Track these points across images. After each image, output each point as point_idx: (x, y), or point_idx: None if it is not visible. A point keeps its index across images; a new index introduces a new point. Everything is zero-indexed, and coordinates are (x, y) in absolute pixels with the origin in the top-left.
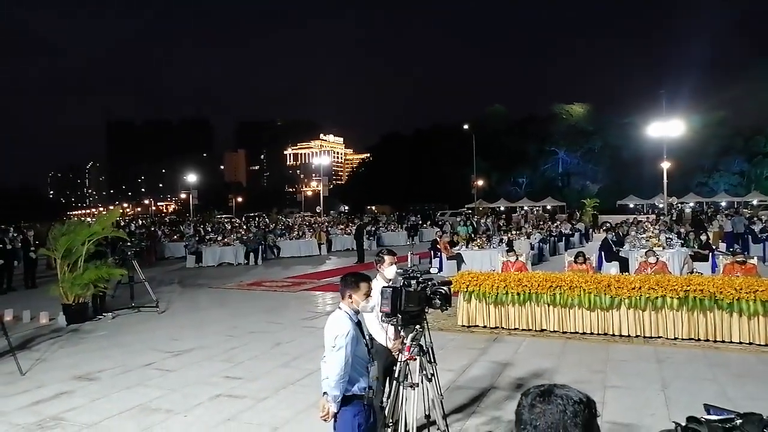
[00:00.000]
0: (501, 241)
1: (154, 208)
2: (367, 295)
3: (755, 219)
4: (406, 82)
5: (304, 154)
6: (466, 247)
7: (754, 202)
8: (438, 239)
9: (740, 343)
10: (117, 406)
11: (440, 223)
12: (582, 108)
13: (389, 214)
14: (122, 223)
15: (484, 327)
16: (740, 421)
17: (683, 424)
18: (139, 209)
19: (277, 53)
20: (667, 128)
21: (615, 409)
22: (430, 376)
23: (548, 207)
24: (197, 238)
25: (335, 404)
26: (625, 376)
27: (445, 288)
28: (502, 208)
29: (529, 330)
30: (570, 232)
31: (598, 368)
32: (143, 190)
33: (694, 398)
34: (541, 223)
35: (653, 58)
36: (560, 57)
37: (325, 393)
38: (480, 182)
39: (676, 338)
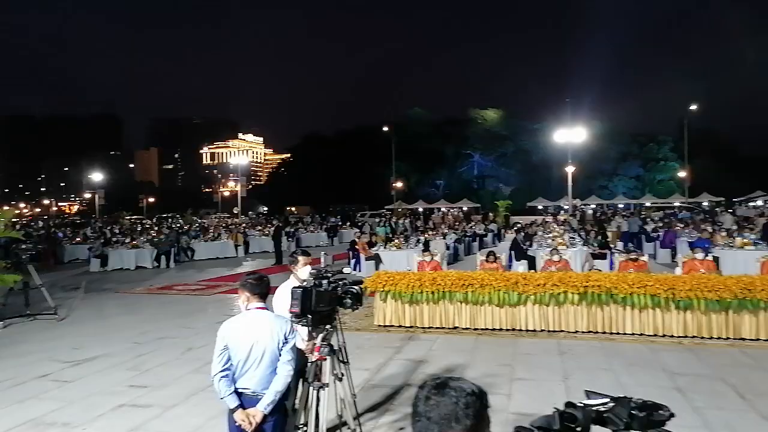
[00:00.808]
0: (418, 241)
1: (55, 208)
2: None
3: (648, 220)
4: (330, 82)
5: (222, 153)
6: (385, 247)
7: (648, 204)
8: (357, 240)
9: (633, 334)
10: (6, 423)
11: (360, 224)
12: (496, 113)
13: (310, 216)
14: (17, 225)
15: (400, 326)
16: (612, 404)
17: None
18: (38, 210)
19: (195, 51)
20: (571, 135)
21: (520, 401)
22: (340, 376)
23: (464, 208)
24: (102, 241)
25: (265, 409)
26: (531, 369)
27: (356, 287)
28: (420, 210)
29: (443, 328)
30: (483, 233)
31: (506, 362)
32: (43, 189)
33: (592, 387)
34: (457, 223)
35: (561, 68)
36: (479, 61)
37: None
38: (399, 184)
39: (576, 331)
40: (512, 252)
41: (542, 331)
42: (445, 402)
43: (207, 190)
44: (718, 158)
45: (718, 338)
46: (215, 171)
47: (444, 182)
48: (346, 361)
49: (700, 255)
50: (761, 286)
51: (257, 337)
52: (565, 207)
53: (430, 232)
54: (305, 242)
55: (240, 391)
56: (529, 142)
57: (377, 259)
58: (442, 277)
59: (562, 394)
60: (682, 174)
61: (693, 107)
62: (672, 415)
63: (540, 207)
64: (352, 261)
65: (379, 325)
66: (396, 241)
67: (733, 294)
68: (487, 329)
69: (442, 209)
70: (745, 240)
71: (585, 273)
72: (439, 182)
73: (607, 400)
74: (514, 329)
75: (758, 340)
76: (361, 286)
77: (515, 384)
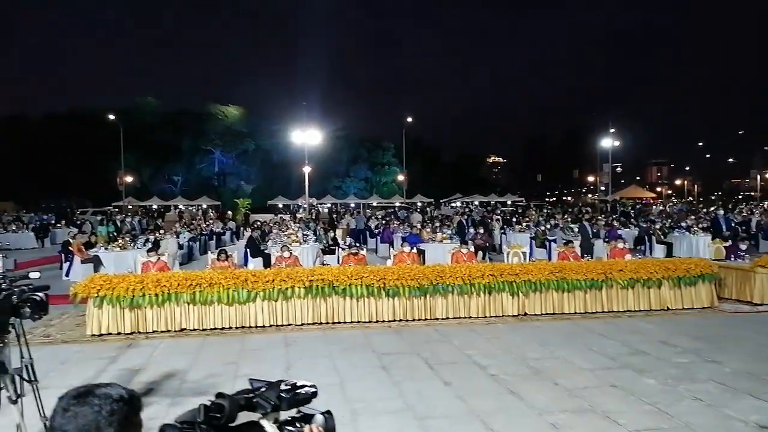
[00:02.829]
0: (147, 241)
1: None
2: None
3: (372, 217)
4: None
5: None
6: (106, 248)
7: (374, 204)
8: (70, 240)
9: (351, 322)
10: None
11: (79, 222)
12: (237, 110)
13: (11, 212)
14: None
15: (119, 333)
16: (264, 389)
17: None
18: None
19: None
20: (307, 136)
21: None
22: (15, 399)
23: (204, 206)
24: None
25: None
26: (256, 364)
27: (40, 294)
28: (154, 207)
29: (168, 331)
30: (222, 231)
31: (231, 360)
32: None
33: (311, 373)
34: (194, 221)
35: (301, 72)
36: (219, 57)
37: None
38: (129, 178)
39: (303, 324)
40: (248, 250)
41: (271, 326)
42: (85, 412)
43: None
44: (427, 164)
45: (419, 320)
46: None
47: (182, 178)
48: (31, 380)
49: (407, 248)
50: (449, 273)
51: None
52: (304, 205)
53: (161, 231)
54: (6, 244)
55: None
56: (269, 142)
57: (97, 262)
58: (167, 278)
59: None
60: (401, 177)
61: (409, 119)
62: (315, 393)
63: (280, 205)
64: (65, 265)
65: (93, 335)
66: (120, 241)
67: (429, 281)
68: (216, 329)
69: (179, 206)
70: (444, 235)
71: (311, 268)
72: (176, 178)
73: (262, 385)
74: (243, 327)
75: (447, 318)
76: (47, 292)
77: (238, 381)
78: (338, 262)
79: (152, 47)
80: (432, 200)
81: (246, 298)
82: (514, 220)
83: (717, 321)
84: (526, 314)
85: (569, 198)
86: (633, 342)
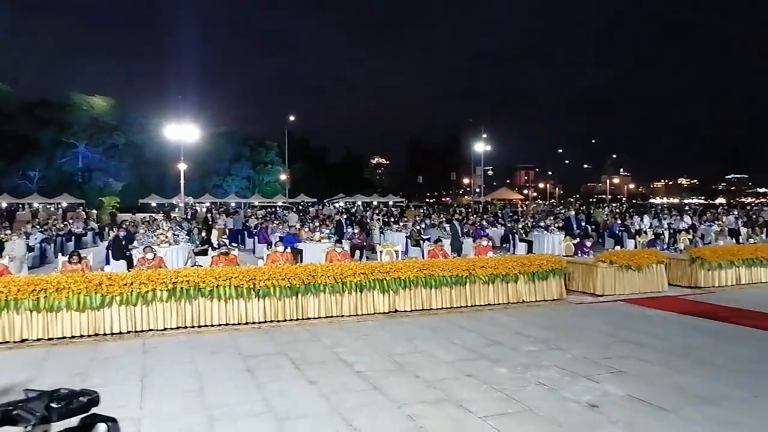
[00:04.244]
0: None
1: None
2: None
3: (252, 217)
4: None
5: None
6: None
7: (256, 203)
8: None
9: (219, 324)
10: None
11: None
12: (105, 102)
13: None
14: None
15: None
16: (32, 399)
17: None
18: None
19: None
20: (183, 132)
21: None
22: None
23: (64, 204)
24: None
25: None
26: (108, 373)
27: None
28: (4, 205)
29: (6, 343)
30: (83, 231)
31: (80, 370)
32: None
33: (168, 383)
34: (49, 221)
35: (179, 65)
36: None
37: None
38: None
39: (165, 328)
40: (110, 251)
41: (129, 332)
42: None
43: None
44: (313, 164)
45: (291, 320)
46: None
47: (39, 173)
48: None
49: (281, 248)
50: (321, 272)
51: None
52: (181, 204)
53: (8, 232)
54: None
55: None
56: (142, 137)
57: None
58: (5, 283)
59: (137, 393)
60: (283, 177)
61: (291, 118)
62: (94, 400)
63: (154, 204)
64: None
65: None
66: None
67: (301, 281)
68: (64, 338)
69: (34, 204)
70: (322, 235)
71: (175, 270)
72: (32, 173)
73: (36, 395)
74: (97, 334)
75: (319, 317)
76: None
77: None
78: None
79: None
80: (315, 200)
81: (100, 303)
82: (392, 220)
83: (565, 312)
84: (396, 311)
85: (448, 199)
86: (491, 334)
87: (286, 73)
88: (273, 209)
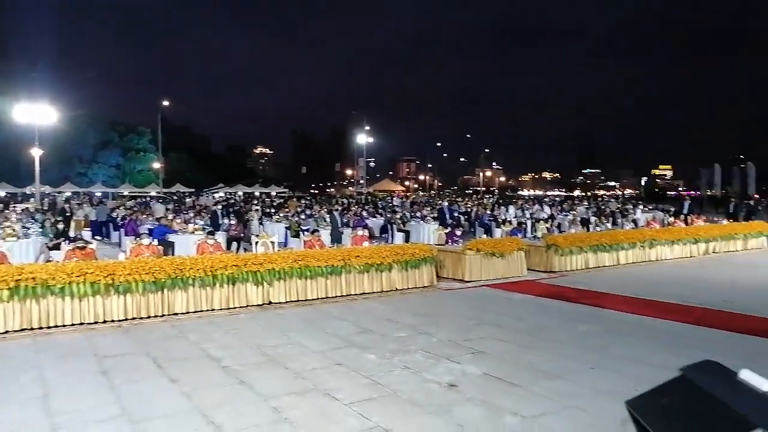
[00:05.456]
0: None
1: None
2: None
3: (121, 208)
4: None
5: None
6: None
7: (126, 193)
8: None
9: (72, 324)
10: None
11: None
12: None
13: None
14: None
15: None
16: None
17: None
18: None
19: None
20: (37, 114)
21: None
22: None
23: None
24: None
25: None
26: None
27: None
28: None
29: None
30: None
31: None
32: None
33: (5, 391)
34: None
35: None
36: None
37: None
38: None
39: (7, 332)
40: None
41: None
42: None
43: None
44: (192, 153)
45: (156, 316)
46: None
47: None
48: None
49: (146, 240)
50: (190, 265)
51: None
52: (37, 194)
53: None
54: None
55: None
56: None
57: None
58: None
59: None
60: (157, 165)
61: (165, 102)
62: None
63: (4, 193)
64: None
65: None
66: None
67: (167, 274)
68: None
69: None
70: (196, 226)
71: (17, 266)
72: None
73: None
74: None
75: (188, 312)
76: None
77: None
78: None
79: None
80: (193, 190)
81: None
82: (272, 210)
83: (435, 298)
84: (270, 303)
85: (332, 190)
86: (363, 322)
87: (170, 61)
88: (145, 199)
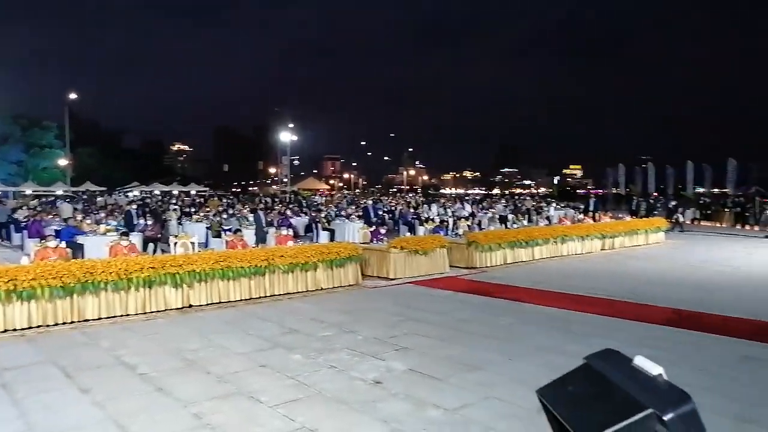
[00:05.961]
0: None
1: None
2: None
3: (23, 207)
4: None
5: None
6: None
7: (29, 192)
8: None
9: None
10: None
11: None
12: None
13: None
14: None
15: None
16: None
17: None
18: None
19: None
20: None
21: None
22: None
23: None
24: None
25: None
26: None
27: None
28: None
29: None
30: None
31: None
32: None
33: None
34: None
35: None
36: None
37: None
38: None
39: None
40: None
41: None
42: None
43: None
44: (103, 149)
45: (64, 323)
46: None
47: None
48: None
49: (53, 243)
50: (102, 268)
51: None
52: None
53: None
54: None
55: None
56: None
57: None
58: None
59: None
60: (64, 162)
61: (72, 95)
62: None
63: None
64: None
65: None
66: None
67: (77, 279)
68: None
69: None
70: (108, 227)
71: None
72: None
73: None
74: None
75: (100, 318)
76: None
77: None
78: None
79: None
80: (105, 188)
81: None
82: (192, 210)
83: (360, 296)
84: (191, 306)
85: (255, 188)
86: (288, 322)
87: (81, 50)
88: (51, 199)
